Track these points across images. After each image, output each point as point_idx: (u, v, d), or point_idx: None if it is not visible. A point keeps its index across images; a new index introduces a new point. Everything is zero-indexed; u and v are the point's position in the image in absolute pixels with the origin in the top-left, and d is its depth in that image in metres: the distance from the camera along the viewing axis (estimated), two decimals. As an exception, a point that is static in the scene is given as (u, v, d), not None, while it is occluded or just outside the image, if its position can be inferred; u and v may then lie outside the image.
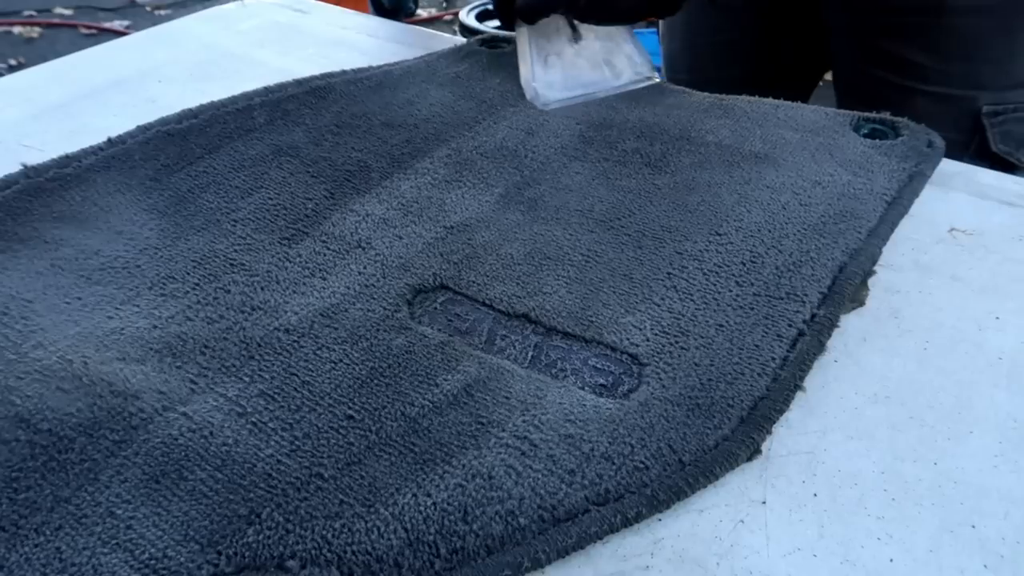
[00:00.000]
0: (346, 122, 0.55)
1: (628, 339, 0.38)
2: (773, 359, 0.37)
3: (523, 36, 0.60)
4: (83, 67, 0.64)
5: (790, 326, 0.39)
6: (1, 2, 2.78)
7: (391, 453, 0.33)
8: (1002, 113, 0.62)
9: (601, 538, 0.30)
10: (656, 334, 0.39)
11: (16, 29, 2.64)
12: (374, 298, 0.40)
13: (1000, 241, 0.47)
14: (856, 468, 0.34)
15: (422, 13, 2.85)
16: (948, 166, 0.53)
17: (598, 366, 0.37)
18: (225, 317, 0.39)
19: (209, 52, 0.67)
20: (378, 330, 0.38)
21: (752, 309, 0.40)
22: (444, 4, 3.02)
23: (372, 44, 0.71)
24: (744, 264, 0.43)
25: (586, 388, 0.36)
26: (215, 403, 0.34)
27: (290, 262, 0.43)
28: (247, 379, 0.36)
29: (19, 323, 0.38)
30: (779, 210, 0.47)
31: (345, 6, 0.78)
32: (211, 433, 0.33)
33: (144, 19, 2.79)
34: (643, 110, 0.57)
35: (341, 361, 0.37)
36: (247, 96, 0.56)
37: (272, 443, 0.33)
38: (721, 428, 0.34)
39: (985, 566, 0.30)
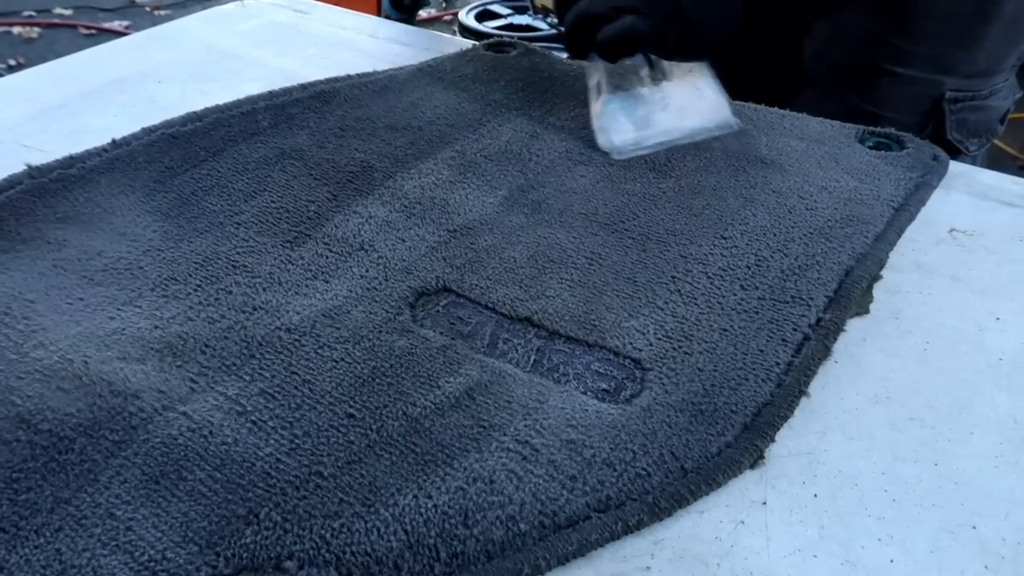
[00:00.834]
0: (350, 125, 0.55)
1: (631, 343, 0.38)
2: (778, 364, 0.37)
3: (597, 72, 0.56)
4: (83, 67, 0.64)
5: (795, 330, 0.39)
6: (1, 2, 2.77)
7: (392, 453, 0.32)
8: (961, 100, 0.62)
9: (602, 545, 0.30)
10: (659, 338, 0.38)
11: (16, 29, 2.63)
12: (376, 300, 0.40)
13: (1000, 241, 0.46)
14: (856, 469, 0.33)
15: (422, 13, 2.85)
16: (949, 167, 0.52)
17: (601, 371, 0.37)
18: (226, 317, 0.39)
19: (209, 52, 0.67)
20: (380, 332, 0.38)
21: (757, 313, 0.40)
22: (444, 4, 3.03)
23: (372, 44, 0.71)
24: (749, 268, 0.43)
25: (588, 393, 0.36)
26: (215, 402, 0.34)
27: (292, 264, 0.43)
28: (247, 378, 0.36)
29: (21, 323, 0.38)
30: (785, 214, 0.47)
31: (346, 6, 0.78)
32: (210, 432, 0.33)
33: (144, 19, 2.77)
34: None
35: (343, 360, 0.37)
36: (251, 100, 0.56)
37: (271, 441, 0.33)
38: (724, 435, 0.34)
39: (986, 567, 0.30)
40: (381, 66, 0.64)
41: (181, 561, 0.28)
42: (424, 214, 0.47)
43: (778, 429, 0.35)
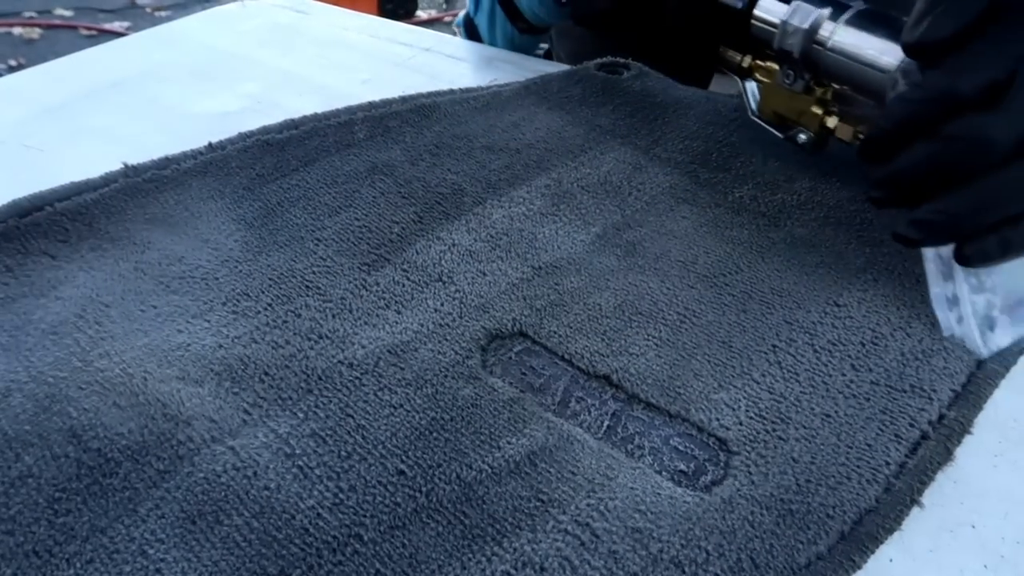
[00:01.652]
0: (446, 143, 0.53)
1: (718, 419, 0.34)
2: (888, 464, 0.32)
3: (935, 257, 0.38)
4: (83, 68, 0.64)
5: (912, 426, 0.34)
6: (1, 3, 2.84)
7: (439, 521, 0.30)
8: None
9: (660, 658, 0.27)
10: (751, 417, 0.34)
11: (16, 30, 2.69)
12: (447, 339, 0.38)
13: None
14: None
15: (422, 14, 2.82)
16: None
17: (680, 448, 0.33)
18: (291, 343, 0.37)
19: (209, 53, 0.67)
20: (446, 376, 0.36)
21: (868, 400, 0.35)
22: (444, 5, 3.00)
23: (372, 44, 0.69)
24: (864, 345, 0.38)
25: (663, 472, 0.32)
26: (264, 439, 0.33)
27: (367, 290, 0.41)
28: (301, 415, 0.34)
29: (92, 328, 0.38)
30: (912, 284, 0.41)
31: (346, 6, 0.77)
32: (255, 473, 0.31)
33: (144, 20, 2.79)
34: (768, 152, 0.53)
35: (401, 406, 0.34)
36: (350, 110, 0.55)
37: (315, 493, 0.31)
38: (816, 543, 0.29)
39: (985, 566, 0.30)
40: (381, 65, 0.62)
41: (204, 615, 0.27)
42: (510, 247, 0.44)
43: (882, 542, 0.30)
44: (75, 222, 0.44)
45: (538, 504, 0.30)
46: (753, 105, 0.50)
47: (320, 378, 0.36)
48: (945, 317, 0.38)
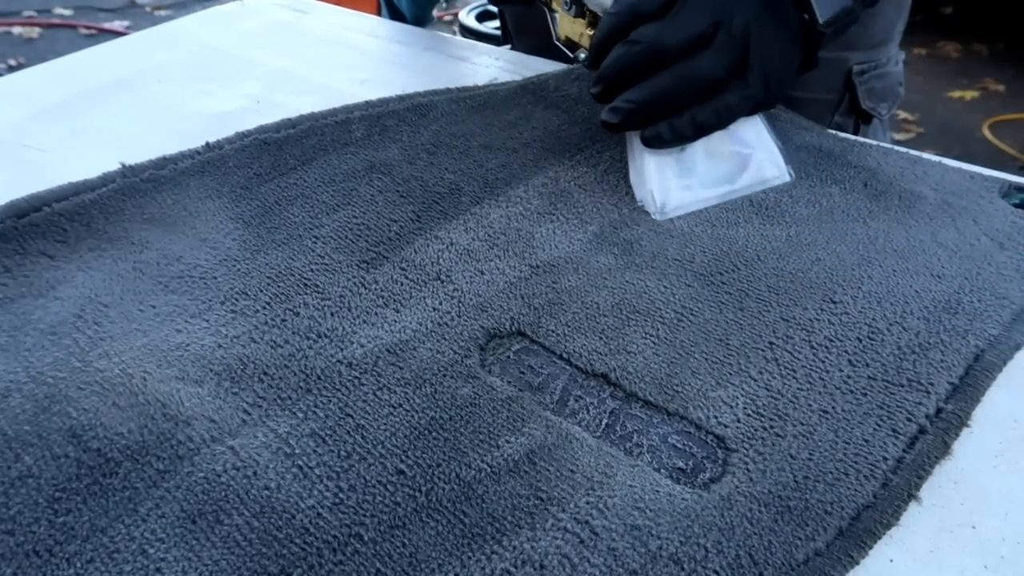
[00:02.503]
0: (444, 141, 0.53)
1: (716, 417, 0.34)
2: (885, 459, 0.33)
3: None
4: (83, 67, 0.64)
5: (909, 420, 0.34)
6: (1, 2, 2.83)
7: (438, 520, 0.30)
8: (868, 71, 0.66)
9: (659, 655, 0.27)
10: (749, 414, 0.34)
11: (16, 29, 2.68)
12: (445, 339, 0.38)
13: None
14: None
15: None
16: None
17: (678, 445, 0.33)
18: (290, 342, 0.38)
19: (209, 52, 0.67)
20: (444, 376, 0.36)
21: (865, 395, 0.35)
22: (444, 4, 3.00)
23: (372, 44, 0.69)
24: (860, 340, 0.38)
25: (662, 470, 0.32)
26: (264, 439, 0.33)
27: (365, 288, 0.41)
28: (300, 415, 0.34)
29: (91, 328, 0.38)
30: (907, 279, 0.42)
31: (346, 6, 0.77)
32: (255, 473, 0.31)
33: (144, 19, 2.78)
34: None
35: (400, 406, 0.34)
36: (347, 109, 0.55)
37: (315, 492, 0.31)
38: (814, 539, 0.29)
39: (985, 567, 0.30)
40: (381, 64, 0.62)
41: (205, 614, 0.27)
42: (508, 245, 0.44)
43: (879, 538, 0.30)
44: (73, 222, 0.44)
45: (537, 502, 0.30)
46: (555, 33, 0.56)
47: (319, 377, 0.36)
48: (639, 188, 0.48)
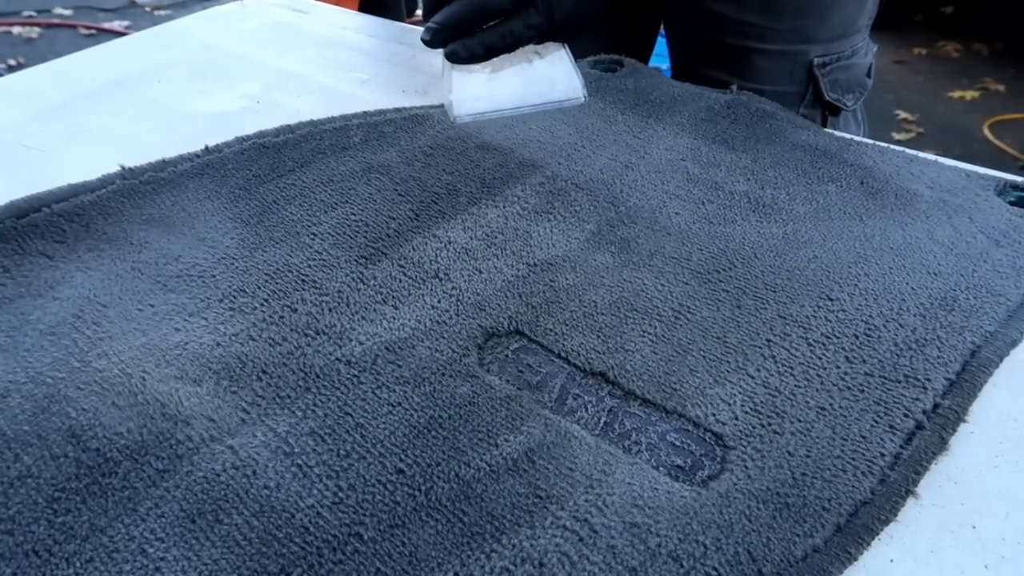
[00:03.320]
0: (440, 144, 0.53)
1: (714, 414, 0.34)
2: (883, 455, 0.33)
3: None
4: (83, 67, 0.64)
5: (906, 416, 0.34)
6: (1, 2, 2.81)
7: (438, 519, 0.30)
8: (829, 63, 0.67)
9: (658, 651, 0.27)
10: (747, 412, 0.34)
11: (15, 29, 2.66)
12: (444, 337, 0.38)
13: None
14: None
15: (420, 14, 2.81)
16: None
17: (677, 443, 0.33)
18: (288, 340, 0.38)
19: (209, 52, 0.67)
20: (443, 374, 0.36)
21: (862, 392, 0.35)
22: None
23: (372, 44, 0.70)
24: (857, 337, 0.38)
25: (660, 468, 0.32)
26: (263, 438, 0.33)
27: (363, 284, 0.41)
28: (299, 414, 0.34)
29: (90, 328, 0.38)
30: (904, 276, 0.42)
31: (346, 6, 0.77)
32: (254, 472, 0.31)
33: (144, 19, 2.77)
34: (760, 149, 0.53)
35: (399, 405, 0.34)
36: (345, 117, 0.55)
37: (315, 491, 0.31)
38: (812, 536, 0.30)
39: (986, 567, 0.30)
40: (381, 66, 0.62)
41: (206, 613, 0.27)
42: (505, 244, 0.44)
43: (877, 534, 0.30)
44: (72, 223, 0.44)
45: (536, 501, 0.31)
46: None
47: (318, 376, 0.36)
48: (443, 97, 0.56)
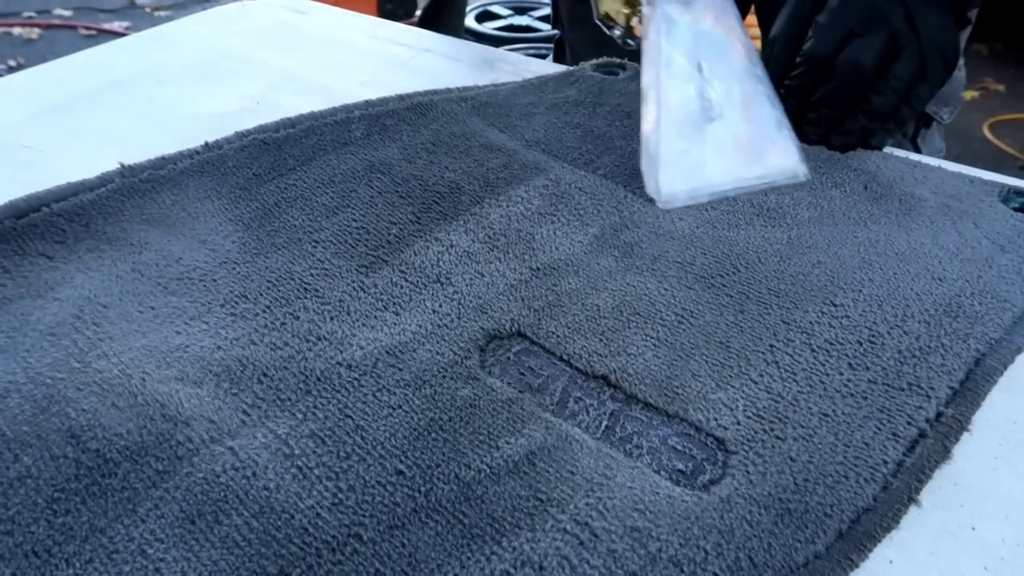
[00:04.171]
0: (444, 141, 0.53)
1: (716, 419, 0.34)
2: (885, 463, 0.33)
3: (652, 96, 0.48)
4: (83, 68, 0.64)
5: (909, 424, 0.34)
6: (1, 3, 2.80)
7: (438, 521, 0.30)
8: None
9: (659, 657, 0.27)
10: (749, 417, 0.34)
11: (16, 30, 2.65)
12: (445, 340, 0.38)
13: None
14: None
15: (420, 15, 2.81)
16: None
17: (678, 447, 0.33)
18: (289, 344, 0.37)
19: (209, 53, 0.67)
20: (444, 377, 0.36)
21: (865, 399, 0.35)
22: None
23: (372, 44, 0.70)
24: (860, 344, 0.38)
25: (662, 472, 0.32)
26: (263, 440, 0.33)
27: (364, 292, 0.41)
28: (300, 416, 0.34)
29: (90, 329, 0.38)
30: (908, 282, 0.42)
31: (346, 6, 0.77)
32: (254, 474, 0.31)
33: (144, 20, 2.76)
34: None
35: (400, 407, 0.34)
36: (347, 108, 0.55)
37: (314, 493, 0.31)
38: (814, 542, 0.29)
39: (985, 568, 0.30)
40: (381, 66, 0.62)
41: (204, 615, 0.27)
42: (508, 247, 0.44)
43: (879, 541, 0.30)
44: (72, 223, 0.44)
45: (537, 504, 0.30)
46: (596, 10, 0.56)
47: (319, 379, 0.36)
48: (648, 177, 0.49)
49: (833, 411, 0.35)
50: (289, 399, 0.34)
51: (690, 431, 0.34)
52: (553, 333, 0.39)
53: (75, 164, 0.49)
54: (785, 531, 0.30)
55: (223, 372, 0.36)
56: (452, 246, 0.44)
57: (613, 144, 0.54)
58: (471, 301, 0.40)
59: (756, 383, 0.36)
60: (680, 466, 0.33)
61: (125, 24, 2.81)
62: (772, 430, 0.34)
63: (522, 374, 0.37)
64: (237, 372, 0.36)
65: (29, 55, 2.53)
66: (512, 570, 0.28)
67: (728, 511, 0.30)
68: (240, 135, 0.52)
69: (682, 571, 0.28)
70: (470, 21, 2.23)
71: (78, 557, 0.28)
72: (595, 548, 0.29)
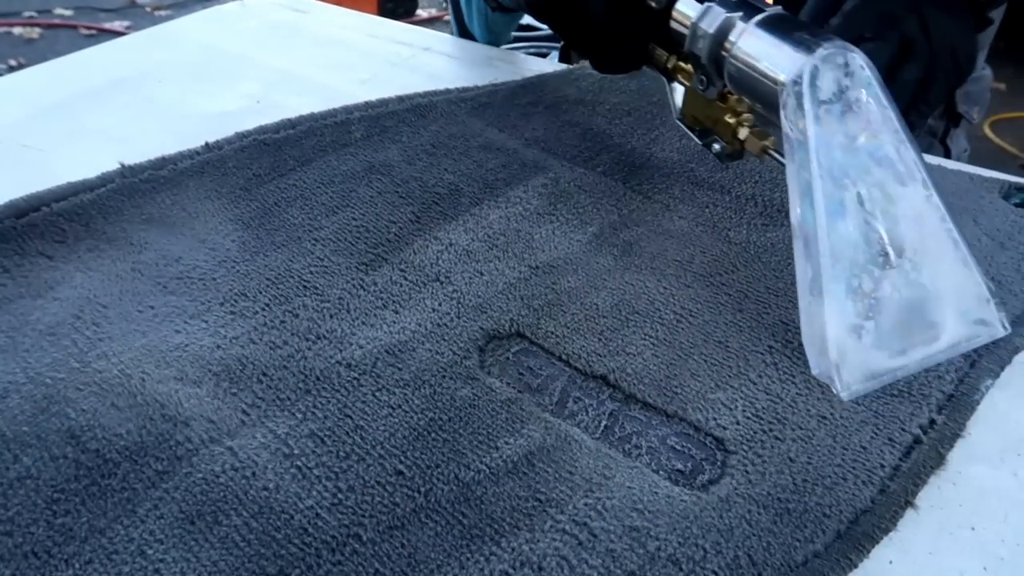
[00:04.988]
0: (443, 142, 0.53)
1: (715, 419, 0.34)
2: (882, 466, 0.33)
3: (808, 249, 0.36)
4: (83, 67, 0.64)
5: (903, 430, 0.34)
6: (1, 3, 2.79)
7: (437, 521, 0.30)
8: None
9: (657, 657, 0.27)
10: (748, 417, 0.34)
11: (16, 30, 2.64)
12: (444, 340, 0.38)
13: None
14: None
15: (422, 13, 2.80)
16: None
17: (677, 447, 0.33)
18: (289, 343, 0.38)
19: (209, 52, 0.67)
20: (443, 377, 0.36)
21: (860, 403, 0.35)
22: (444, 4, 3.00)
23: (372, 44, 0.69)
24: (859, 343, 0.38)
25: (660, 472, 0.32)
26: (263, 439, 0.33)
27: (364, 290, 0.41)
28: (299, 416, 0.34)
29: (90, 329, 0.38)
30: (907, 282, 0.42)
31: (346, 6, 0.77)
32: (253, 474, 0.31)
33: (144, 19, 2.74)
34: (762, 152, 0.53)
35: (399, 407, 0.34)
36: (347, 109, 0.55)
37: (314, 493, 0.31)
38: (813, 542, 0.29)
39: (985, 568, 0.30)
40: (381, 65, 0.62)
41: (204, 615, 0.27)
42: (507, 246, 0.44)
43: (877, 542, 0.30)
44: (72, 223, 0.44)
45: (536, 504, 0.30)
46: (676, 108, 0.47)
47: (318, 378, 0.36)
48: (817, 358, 0.36)
49: (831, 414, 0.35)
50: (288, 399, 0.35)
51: (689, 431, 0.34)
52: (552, 333, 0.39)
53: (75, 163, 0.49)
54: (784, 530, 0.30)
55: (223, 371, 0.36)
56: (452, 245, 0.44)
57: (612, 142, 0.54)
58: (470, 300, 0.40)
59: (755, 383, 0.36)
60: (679, 466, 0.33)
61: (125, 23, 2.81)
62: (771, 430, 0.34)
63: (521, 374, 0.37)
64: (236, 371, 0.36)
65: (29, 55, 2.53)
66: (511, 570, 0.28)
67: (727, 510, 0.30)
68: (240, 136, 0.52)
69: (681, 570, 0.28)
70: None
71: (78, 558, 0.28)
72: (594, 548, 0.29)
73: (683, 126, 0.46)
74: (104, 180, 0.47)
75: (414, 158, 0.52)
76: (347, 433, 0.33)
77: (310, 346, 0.37)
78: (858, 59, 0.36)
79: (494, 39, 0.75)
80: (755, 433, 0.34)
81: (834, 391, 0.35)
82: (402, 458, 0.32)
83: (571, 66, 0.64)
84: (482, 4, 0.72)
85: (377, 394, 0.35)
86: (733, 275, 0.42)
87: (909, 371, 0.36)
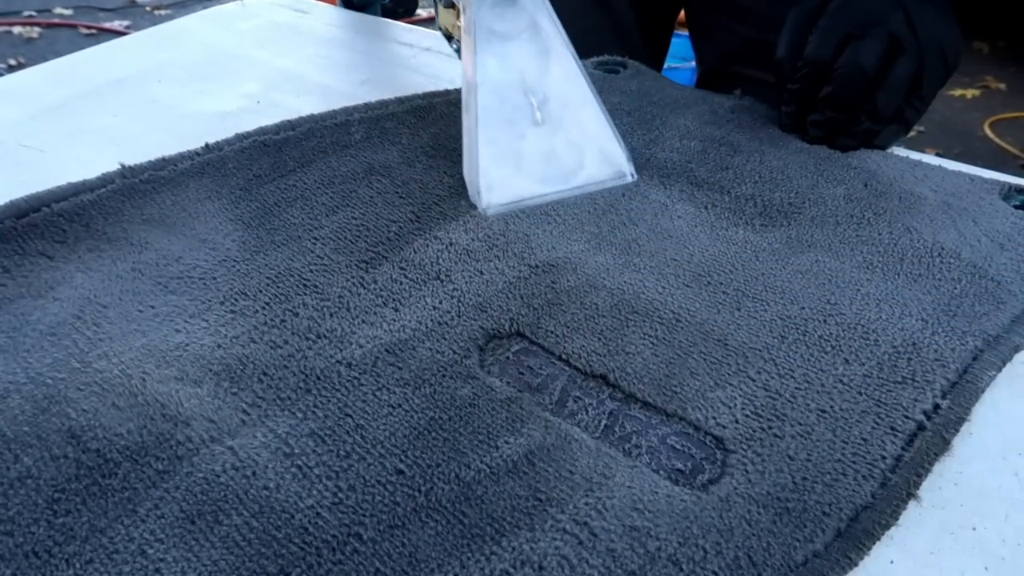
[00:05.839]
0: (443, 144, 0.53)
1: (714, 418, 0.34)
2: (884, 458, 0.33)
3: (473, 108, 0.47)
4: (83, 67, 0.64)
5: (907, 417, 0.34)
6: (1, 2, 2.80)
7: (438, 521, 0.30)
8: None
9: (658, 655, 0.27)
10: (747, 415, 0.34)
11: (16, 29, 2.65)
12: (445, 338, 0.38)
13: None
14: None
15: (422, 13, 2.80)
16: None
17: (677, 446, 0.33)
18: (289, 343, 0.38)
19: (209, 52, 0.67)
20: (444, 376, 0.36)
21: (862, 393, 0.35)
22: (400, 11, 2.99)
23: (372, 44, 0.70)
24: (856, 340, 0.38)
25: (660, 471, 0.32)
26: (263, 439, 0.33)
27: (364, 288, 0.41)
28: (300, 415, 0.34)
29: (90, 329, 0.38)
30: (906, 281, 0.42)
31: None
32: (254, 473, 0.31)
33: (144, 19, 2.76)
34: (765, 151, 0.53)
35: (400, 406, 0.34)
36: (347, 111, 0.55)
37: (314, 492, 0.31)
38: (813, 541, 0.29)
39: (986, 568, 0.30)
40: (380, 65, 0.62)
41: (204, 615, 0.27)
42: (507, 246, 0.44)
43: (878, 539, 0.30)
44: (72, 223, 0.44)
45: (536, 503, 0.30)
46: (438, 23, 0.56)
47: (319, 378, 0.36)
48: (470, 183, 0.48)
49: (831, 407, 0.35)
50: (289, 398, 0.35)
51: (688, 430, 0.34)
52: (552, 332, 0.39)
53: (75, 163, 0.49)
54: (784, 530, 0.30)
55: (223, 371, 0.36)
56: (451, 244, 0.44)
57: (612, 143, 0.54)
58: (470, 299, 0.40)
59: (754, 380, 0.36)
60: (679, 465, 0.33)
61: (125, 23, 2.81)
62: (770, 428, 0.34)
63: (521, 373, 0.37)
64: (237, 371, 0.36)
65: (29, 54, 2.53)
66: (512, 570, 0.28)
67: (727, 510, 0.30)
68: (240, 137, 0.52)
69: (681, 570, 0.28)
70: None
71: (78, 557, 0.28)
72: (594, 547, 0.29)
73: (444, 38, 0.56)
74: (104, 181, 0.47)
75: (414, 160, 0.52)
76: (347, 432, 0.33)
77: (310, 345, 0.37)
78: None
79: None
80: (754, 431, 0.34)
81: (479, 209, 0.46)
82: (402, 457, 0.32)
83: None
84: None
85: (377, 393, 0.35)
86: (731, 274, 0.42)
87: (551, 198, 0.47)
